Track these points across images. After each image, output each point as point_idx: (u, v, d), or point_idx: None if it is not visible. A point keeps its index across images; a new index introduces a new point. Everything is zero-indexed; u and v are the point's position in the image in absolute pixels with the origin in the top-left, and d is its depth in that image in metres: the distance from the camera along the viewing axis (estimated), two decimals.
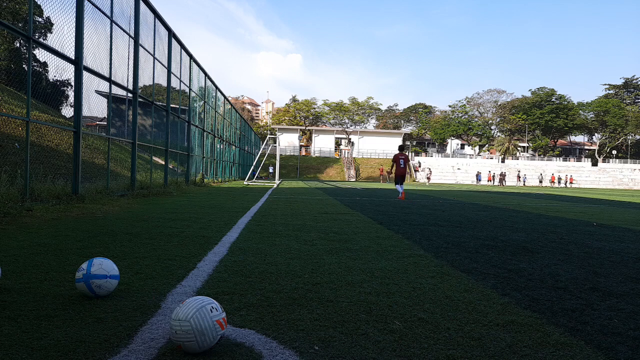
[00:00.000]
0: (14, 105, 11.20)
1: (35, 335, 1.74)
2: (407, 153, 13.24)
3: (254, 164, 27.45)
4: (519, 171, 55.26)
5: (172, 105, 13.54)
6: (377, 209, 8.55)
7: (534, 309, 2.30)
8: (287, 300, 2.31)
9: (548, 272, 3.22)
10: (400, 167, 13.07)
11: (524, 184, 52.10)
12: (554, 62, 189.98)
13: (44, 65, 11.23)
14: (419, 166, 57.30)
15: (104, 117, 9.69)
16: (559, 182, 52.86)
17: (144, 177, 11.73)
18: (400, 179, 13.05)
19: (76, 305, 2.14)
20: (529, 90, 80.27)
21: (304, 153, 70.32)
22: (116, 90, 9.50)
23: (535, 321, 2.09)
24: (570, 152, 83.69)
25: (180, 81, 14.74)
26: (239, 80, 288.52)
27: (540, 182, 53.41)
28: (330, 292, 2.50)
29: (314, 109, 78.24)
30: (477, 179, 50.98)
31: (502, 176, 50.11)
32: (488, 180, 50.17)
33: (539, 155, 74.81)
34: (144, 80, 11.10)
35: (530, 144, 76.71)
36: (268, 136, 28.06)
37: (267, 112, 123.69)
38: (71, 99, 7.91)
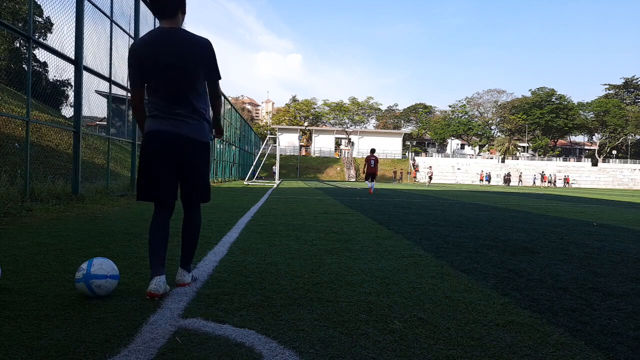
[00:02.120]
0: (14, 105, 11.19)
1: (35, 335, 1.74)
2: (377, 156, 16.50)
3: (254, 164, 27.45)
4: (543, 171, 55.00)
5: None
6: (377, 209, 8.55)
7: (534, 309, 2.30)
8: (287, 300, 2.31)
9: (548, 272, 3.22)
10: (371, 166, 15.76)
11: (534, 184, 52.06)
12: (554, 62, 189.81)
13: (44, 65, 11.22)
14: (415, 163, 57.29)
15: (104, 117, 9.69)
16: (555, 183, 52.86)
17: None
18: (371, 176, 15.79)
19: (76, 305, 2.14)
20: (529, 90, 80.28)
21: (304, 153, 70.32)
22: (116, 90, 9.50)
23: (535, 321, 2.09)
24: (570, 152, 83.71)
25: None
26: (239, 80, 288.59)
27: (551, 183, 53.47)
28: (330, 292, 2.50)
29: (314, 109, 78.28)
30: (486, 180, 51.18)
31: (509, 176, 50.46)
32: (480, 180, 50.00)
33: (539, 155, 74.83)
34: None
35: (530, 144, 76.73)
36: (268, 136, 28.05)
37: (267, 112, 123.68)
38: (71, 99, 7.92)
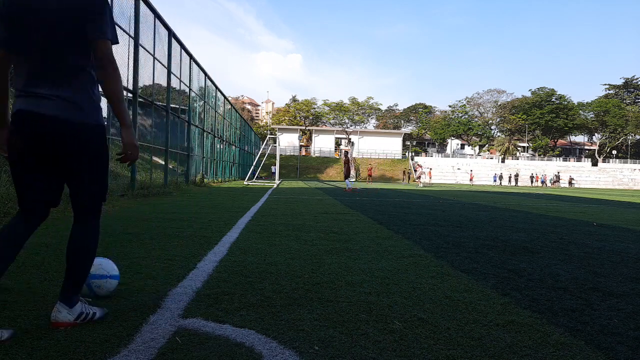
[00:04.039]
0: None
1: (35, 335, 1.74)
2: (349, 156, 18.76)
3: (254, 164, 27.45)
4: (558, 172, 55.49)
5: (172, 105, 13.53)
6: (377, 209, 8.55)
7: (534, 309, 2.30)
8: (287, 300, 2.31)
9: (548, 272, 3.22)
10: (348, 167, 18.34)
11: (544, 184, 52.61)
12: (554, 62, 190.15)
13: None
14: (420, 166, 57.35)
15: (104, 117, 9.68)
16: (546, 183, 53.42)
17: (144, 177, 11.73)
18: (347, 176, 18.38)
19: None
20: (529, 90, 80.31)
21: (304, 153, 70.32)
22: None
23: (535, 321, 2.09)
24: (570, 152, 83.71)
25: (180, 81, 14.74)
26: (239, 80, 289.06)
27: (554, 182, 54.01)
28: (330, 292, 2.50)
29: (314, 109, 78.28)
30: (494, 180, 51.73)
31: (516, 177, 51.09)
32: (470, 180, 50.02)
33: (539, 155, 74.85)
34: (144, 80, 11.10)
35: (530, 144, 76.74)
36: (268, 136, 28.04)
37: (267, 112, 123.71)
38: None
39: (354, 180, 48.93)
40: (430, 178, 50.47)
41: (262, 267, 3.10)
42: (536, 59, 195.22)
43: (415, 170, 55.19)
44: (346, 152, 19.04)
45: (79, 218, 1.96)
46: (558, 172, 55.58)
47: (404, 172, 50.99)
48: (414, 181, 51.15)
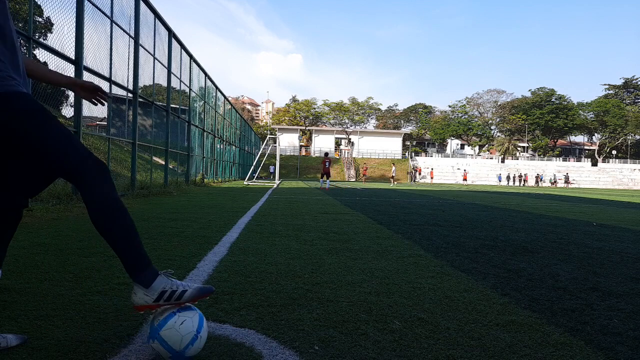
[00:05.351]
0: None
1: (35, 335, 1.74)
2: (330, 157, 18.69)
3: (254, 164, 27.44)
4: (567, 173, 55.96)
5: (172, 105, 13.54)
6: (377, 209, 8.55)
7: (534, 309, 2.30)
8: (287, 300, 2.31)
9: (548, 272, 3.22)
10: (325, 167, 19.27)
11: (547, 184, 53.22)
12: (554, 62, 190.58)
13: (44, 65, 11.19)
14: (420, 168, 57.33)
15: (104, 117, 9.69)
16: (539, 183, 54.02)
17: (144, 177, 11.73)
18: (325, 175, 19.26)
19: (76, 305, 2.14)
20: (529, 90, 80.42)
21: (304, 153, 70.32)
22: (116, 90, 9.50)
23: (535, 321, 2.09)
24: (570, 152, 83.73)
25: (181, 81, 14.74)
26: (239, 80, 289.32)
27: (554, 183, 54.47)
28: (330, 292, 2.50)
29: (314, 109, 78.31)
30: (498, 179, 52.32)
31: (520, 177, 51.69)
32: (464, 180, 50.13)
33: (538, 155, 74.85)
34: (144, 80, 11.10)
35: (530, 144, 76.76)
36: (268, 136, 28.03)
37: (267, 112, 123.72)
38: (71, 99, 7.91)
39: (353, 180, 48.94)
40: (432, 178, 50.59)
41: (262, 267, 3.10)
42: (536, 59, 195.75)
43: (417, 172, 55.21)
44: (326, 153, 20.19)
45: (80, 185, 1.68)
46: (567, 173, 56.06)
47: (364, 170, 51.26)
48: (416, 181, 51.12)
